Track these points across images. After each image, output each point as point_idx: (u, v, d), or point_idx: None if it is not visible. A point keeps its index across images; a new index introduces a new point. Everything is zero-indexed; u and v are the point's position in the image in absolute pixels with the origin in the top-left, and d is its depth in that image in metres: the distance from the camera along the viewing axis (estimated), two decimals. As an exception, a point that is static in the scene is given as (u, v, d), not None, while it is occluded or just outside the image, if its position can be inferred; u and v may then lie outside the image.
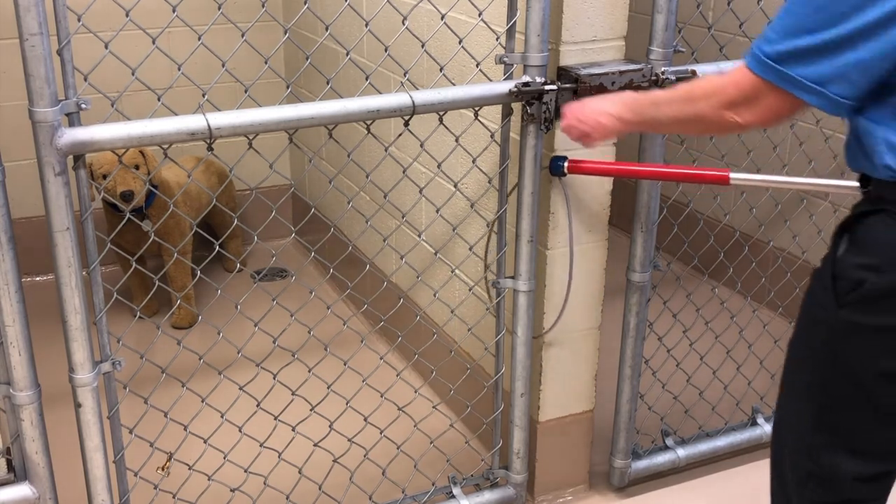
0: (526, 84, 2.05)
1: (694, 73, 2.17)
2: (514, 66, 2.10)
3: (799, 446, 1.61)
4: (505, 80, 2.11)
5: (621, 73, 2.11)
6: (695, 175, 2.15)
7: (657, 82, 2.16)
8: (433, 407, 2.53)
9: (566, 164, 2.17)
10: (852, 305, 1.45)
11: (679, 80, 2.15)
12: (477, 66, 2.18)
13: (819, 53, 1.37)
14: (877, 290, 1.41)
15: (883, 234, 1.42)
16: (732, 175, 2.04)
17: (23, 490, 1.93)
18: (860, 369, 1.48)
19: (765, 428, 2.69)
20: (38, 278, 3.65)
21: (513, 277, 2.25)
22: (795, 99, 1.42)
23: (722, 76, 1.52)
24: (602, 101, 1.84)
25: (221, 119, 1.83)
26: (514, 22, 2.09)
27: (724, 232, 3.17)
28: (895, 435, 1.54)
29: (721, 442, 2.66)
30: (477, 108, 2.17)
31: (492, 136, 2.26)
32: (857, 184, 1.55)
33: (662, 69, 2.16)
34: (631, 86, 2.12)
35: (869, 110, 1.43)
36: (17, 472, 1.94)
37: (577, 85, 2.08)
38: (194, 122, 1.81)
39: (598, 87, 2.09)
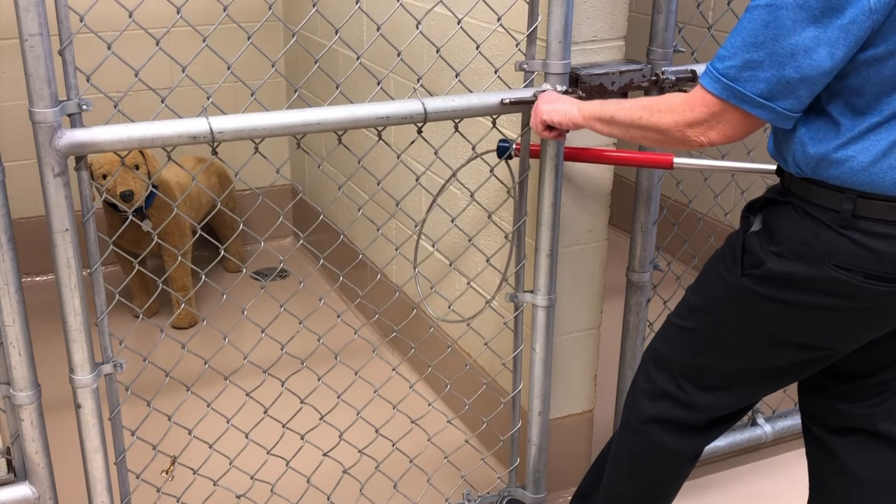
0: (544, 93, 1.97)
1: (694, 73, 2.14)
2: (535, 73, 2.03)
3: (669, 369, 1.85)
4: (525, 87, 2.04)
5: (621, 73, 2.08)
6: (640, 158, 2.15)
7: (657, 82, 2.12)
8: (448, 421, 2.47)
9: (514, 147, 2.14)
10: (753, 277, 1.66)
11: (679, 80, 2.14)
12: (495, 72, 2.11)
13: (766, 69, 1.45)
14: (776, 272, 1.62)
15: (789, 227, 1.60)
16: (676, 160, 2.08)
17: (23, 490, 1.93)
18: (745, 327, 1.71)
19: (765, 428, 2.65)
20: (38, 278, 3.66)
21: (531, 292, 2.18)
22: (749, 115, 1.51)
23: (684, 96, 1.59)
24: (566, 99, 1.89)
25: (224, 123, 1.80)
26: (535, 27, 2.02)
27: (724, 232, 3.07)
28: (754, 387, 1.80)
29: (721, 442, 2.59)
30: (495, 116, 2.11)
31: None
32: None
33: (662, 69, 2.14)
34: (631, 86, 2.09)
35: None
36: (17, 472, 1.94)
37: (579, 86, 2.03)
38: (196, 125, 1.78)
39: (598, 87, 2.05)
